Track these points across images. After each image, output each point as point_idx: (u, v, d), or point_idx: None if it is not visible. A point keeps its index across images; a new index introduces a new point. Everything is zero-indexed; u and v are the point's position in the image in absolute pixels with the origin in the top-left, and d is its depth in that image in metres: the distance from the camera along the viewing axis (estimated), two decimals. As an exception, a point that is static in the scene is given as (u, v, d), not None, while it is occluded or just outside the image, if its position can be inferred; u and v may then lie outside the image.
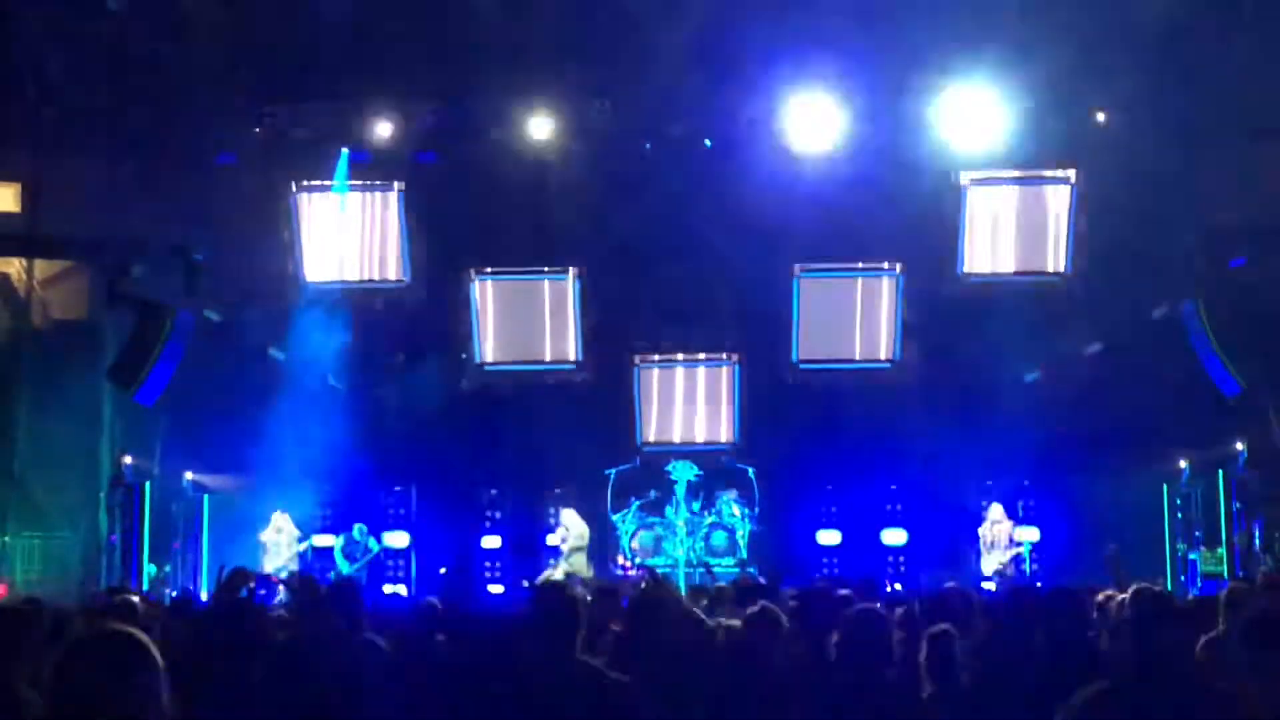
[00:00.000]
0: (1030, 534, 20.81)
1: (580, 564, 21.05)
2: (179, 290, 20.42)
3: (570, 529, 21.38)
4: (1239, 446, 20.73)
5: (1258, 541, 20.27)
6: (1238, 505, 20.70)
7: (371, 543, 21.39)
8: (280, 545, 20.84)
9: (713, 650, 7.77)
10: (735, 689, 7.19)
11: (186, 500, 21.62)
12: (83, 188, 20.21)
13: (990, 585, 19.49)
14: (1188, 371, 20.44)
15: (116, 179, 19.83)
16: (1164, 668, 5.96)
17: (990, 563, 20.60)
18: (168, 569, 20.89)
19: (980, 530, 21.07)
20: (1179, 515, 21.84)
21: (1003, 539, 20.74)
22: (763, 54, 20.19)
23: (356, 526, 21.45)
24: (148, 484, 20.79)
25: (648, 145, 21.37)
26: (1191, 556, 21.14)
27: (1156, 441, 21.26)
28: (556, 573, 20.52)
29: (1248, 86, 18.89)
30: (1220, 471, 20.97)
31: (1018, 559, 20.80)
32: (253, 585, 11.09)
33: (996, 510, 20.95)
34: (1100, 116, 20.51)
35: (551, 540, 21.66)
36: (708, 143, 21.46)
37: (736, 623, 7.82)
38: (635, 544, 22.30)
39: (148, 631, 5.70)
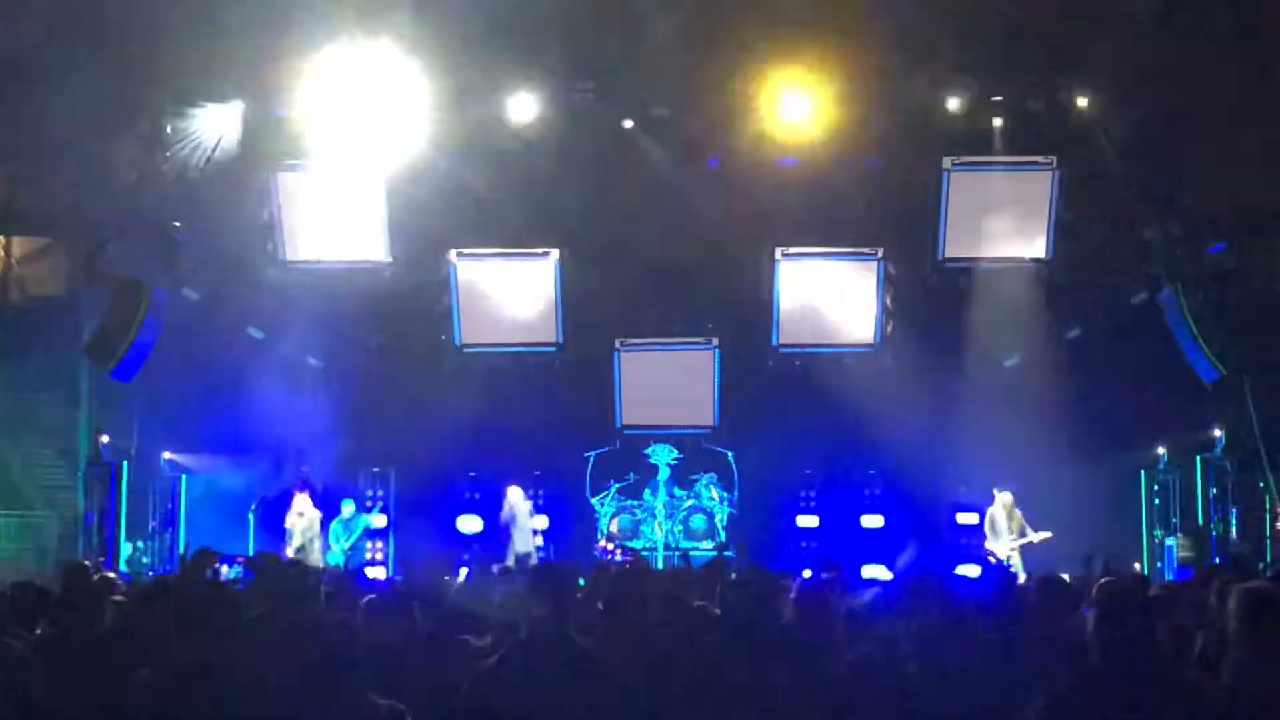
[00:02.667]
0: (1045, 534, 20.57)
1: (526, 542, 21.04)
2: (157, 268, 20.32)
3: (516, 506, 21.31)
4: (1217, 433, 20.81)
5: (1234, 528, 20.37)
6: (1215, 492, 20.79)
7: (362, 519, 21.36)
8: (298, 529, 20.78)
9: (692, 629, 7.78)
10: (715, 668, 7.19)
11: (164, 479, 21.54)
12: (60, 164, 20.10)
13: (970, 569, 19.50)
14: (1167, 358, 20.51)
15: (94, 155, 19.72)
16: (1130, 659, 5.97)
17: (1000, 547, 20.56)
18: (140, 546, 20.82)
19: (989, 513, 20.94)
20: (1156, 501, 21.92)
21: (1014, 526, 20.61)
22: (746, 36, 20.19)
23: (345, 503, 21.43)
24: (125, 463, 20.71)
25: (628, 124, 21.32)
26: (1169, 543, 21.22)
27: (1135, 427, 21.33)
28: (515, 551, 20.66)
29: (1228, 73, 18.93)
30: (1198, 458, 21.04)
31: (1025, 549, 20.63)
32: (217, 565, 11.05)
33: (1008, 497, 20.79)
34: (1082, 102, 20.53)
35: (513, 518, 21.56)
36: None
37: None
38: (614, 527, 22.32)
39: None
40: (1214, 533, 20.71)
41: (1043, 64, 20.41)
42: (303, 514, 20.84)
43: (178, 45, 19.34)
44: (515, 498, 21.37)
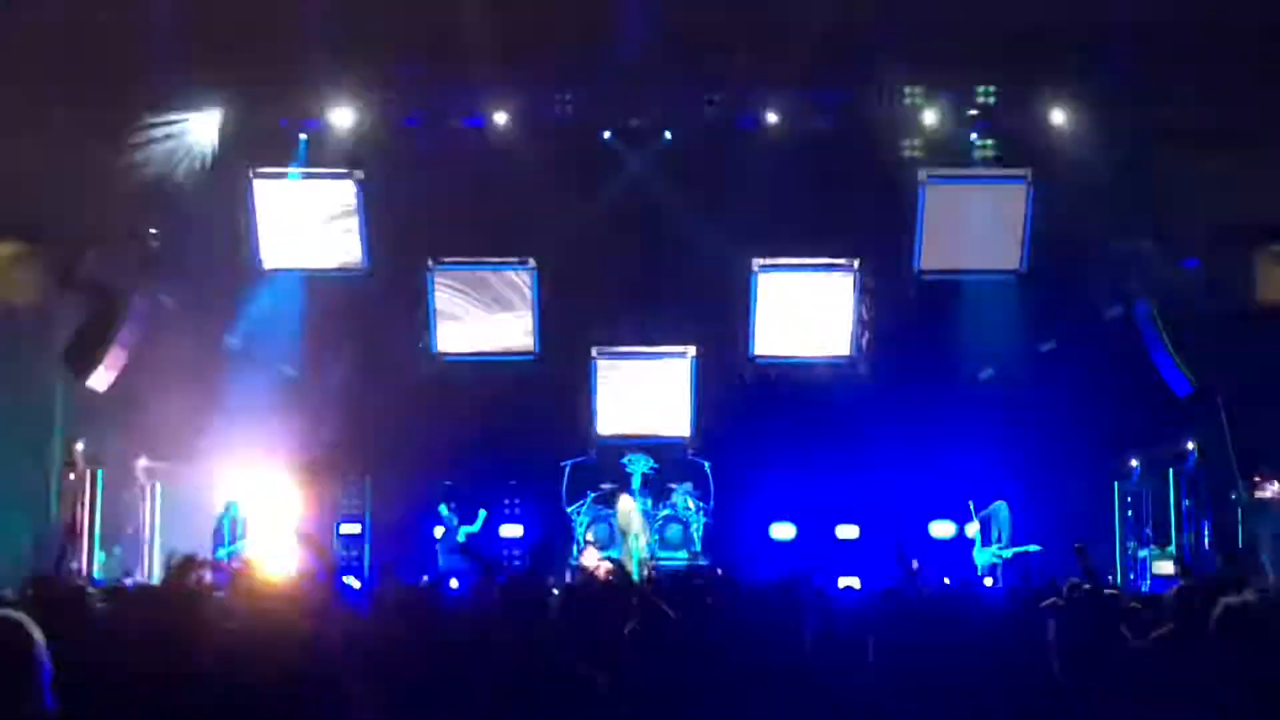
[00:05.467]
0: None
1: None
2: (134, 276, 20.26)
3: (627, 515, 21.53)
4: (1190, 446, 20.90)
5: (1207, 540, 20.46)
6: (1188, 504, 20.89)
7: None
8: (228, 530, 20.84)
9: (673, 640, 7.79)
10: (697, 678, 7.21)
11: (138, 487, 21.44)
12: (36, 170, 20.01)
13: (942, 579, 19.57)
14: (1140, 371, 20.64)
15: (72, 162, 19.65)
16: (1096, 665, 6.03)
17: (987, 555, 20.68)
18: (117, 550, 20.72)
19: (977, 520, 21.09)
20: (1130, 513, 22.01)
21: (1005, 536, 20.76)
22: (724, 47, 20.27)
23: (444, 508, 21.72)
24: (99, 470, 20.62)
25: (606, 135, 21.42)
26: (1142, 554, 21.31)
27: (1108, 440, 21.41)
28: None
29: (1204, 88, 19.06)
30: (1171, 470, 21.15)
31: (1021, 558, 20.73)
32: (202, 573, 10.98)
33: (1004, 506, 20.94)
34: (1059, 116, 20.65)
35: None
36: (667, 135, 21.58)
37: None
38: (590, 536, 22.29)
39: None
40: (1186, 545, 20.80)
41: (1020, 77, 20.53)
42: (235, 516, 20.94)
43: (155, 52, 19.33)
44: (626, 506, 21.56)
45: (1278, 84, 18.82)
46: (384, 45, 20.18)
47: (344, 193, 21.65)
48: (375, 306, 22.32)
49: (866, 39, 19.70)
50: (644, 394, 23.11)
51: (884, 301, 22.43)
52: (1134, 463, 21.87)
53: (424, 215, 21.64)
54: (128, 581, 16.62)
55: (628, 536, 21.36)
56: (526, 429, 22.18)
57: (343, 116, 20.65)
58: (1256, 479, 19.66)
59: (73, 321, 20.29)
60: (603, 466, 22.81)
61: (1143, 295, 20.55)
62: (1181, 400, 20.24)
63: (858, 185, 21.21)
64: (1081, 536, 20.48)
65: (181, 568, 7.27)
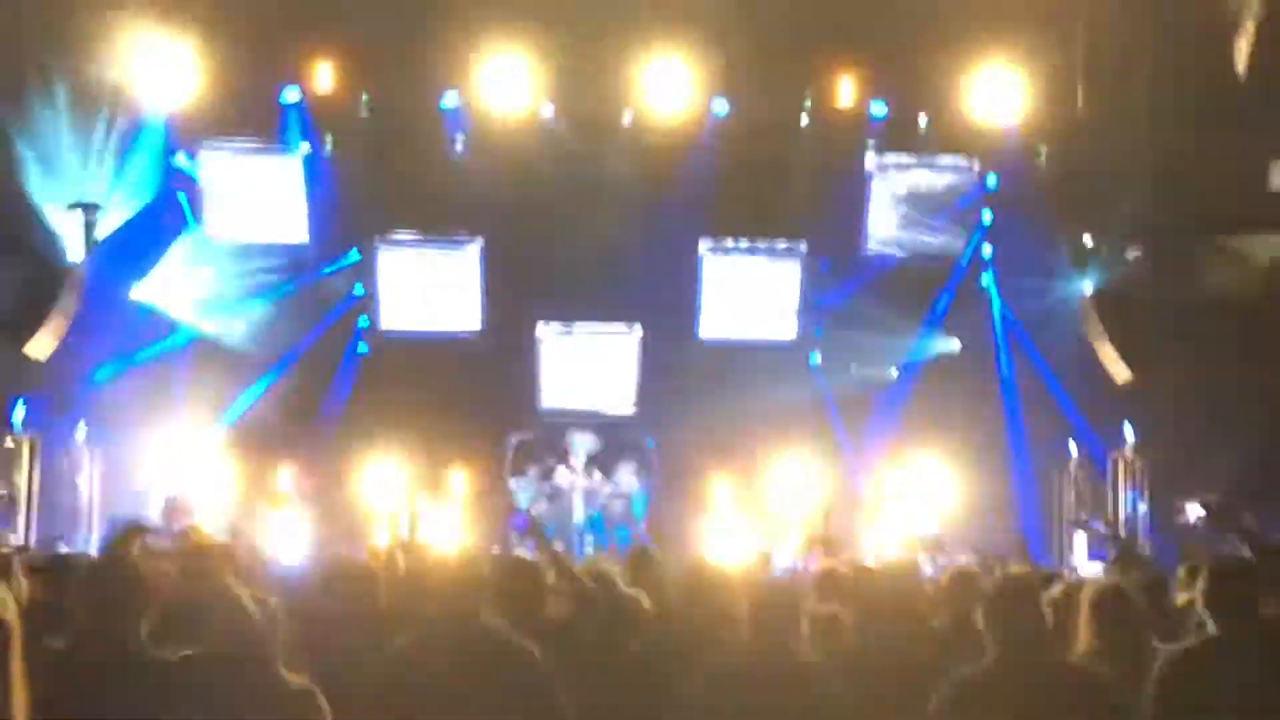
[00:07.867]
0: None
1: None
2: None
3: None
4: (1130, 434, 21.08)
5: (1147, 523, 20.67)
6: (1127, 489, 21.08)
7: None
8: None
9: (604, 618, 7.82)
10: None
11: (74, 457, 21.17)
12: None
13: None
14: (1081, 358, 20.87)
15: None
16: (1024, 649, 6.14)
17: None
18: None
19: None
20: (1072, 499, 22.18)
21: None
22: (670, 27, 20.32)
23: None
24: (38, 438, 20.38)
25: (548, 111, 21.41)
26: (1078, 538, 21.47)
27: (1050, 426, 21.59)
28: None
29: (1157, 76, 19.27)
30: (1111, 455, 21.34)
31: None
32: (147, 541, 10.86)
33: None
34: (1006, 103, 20.84)
35: None
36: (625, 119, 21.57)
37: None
38: (532, 511, 22.28)
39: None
40: (1128, 532, 20.98)
41: (967, 62, 20.66)
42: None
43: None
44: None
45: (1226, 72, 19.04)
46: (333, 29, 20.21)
47: (288, 167, 21.51)
48: (318, 281, 22.20)
49: (817, 20, 19.80)
50: (589, 369, 23.08)
51: (832, 282, 22.53)
52: (1073, 448, 22.02)
53: (369, 191, 21.58)
54: (62, 549, 16.47)
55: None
56: (469, 405, 22.10)
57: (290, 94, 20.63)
58: (1175, 505, 19.80)
59: (13, 288, 20.06)
60: (546, 443, 22.80)
61: (1083, 283, 20.78)
62: (1120, 387, 20.46)
63: (807, 169, 21.30)
64: (1022, 523, 20.92)
65: (124, 536, 7.13)
